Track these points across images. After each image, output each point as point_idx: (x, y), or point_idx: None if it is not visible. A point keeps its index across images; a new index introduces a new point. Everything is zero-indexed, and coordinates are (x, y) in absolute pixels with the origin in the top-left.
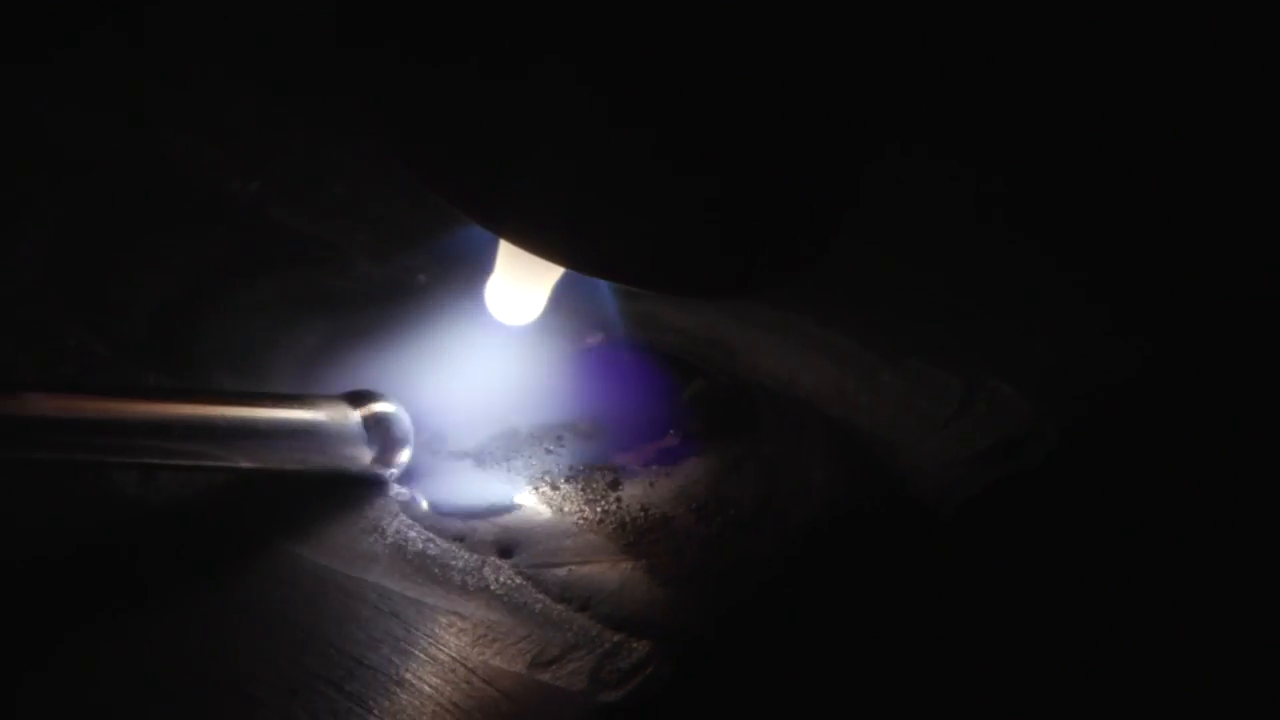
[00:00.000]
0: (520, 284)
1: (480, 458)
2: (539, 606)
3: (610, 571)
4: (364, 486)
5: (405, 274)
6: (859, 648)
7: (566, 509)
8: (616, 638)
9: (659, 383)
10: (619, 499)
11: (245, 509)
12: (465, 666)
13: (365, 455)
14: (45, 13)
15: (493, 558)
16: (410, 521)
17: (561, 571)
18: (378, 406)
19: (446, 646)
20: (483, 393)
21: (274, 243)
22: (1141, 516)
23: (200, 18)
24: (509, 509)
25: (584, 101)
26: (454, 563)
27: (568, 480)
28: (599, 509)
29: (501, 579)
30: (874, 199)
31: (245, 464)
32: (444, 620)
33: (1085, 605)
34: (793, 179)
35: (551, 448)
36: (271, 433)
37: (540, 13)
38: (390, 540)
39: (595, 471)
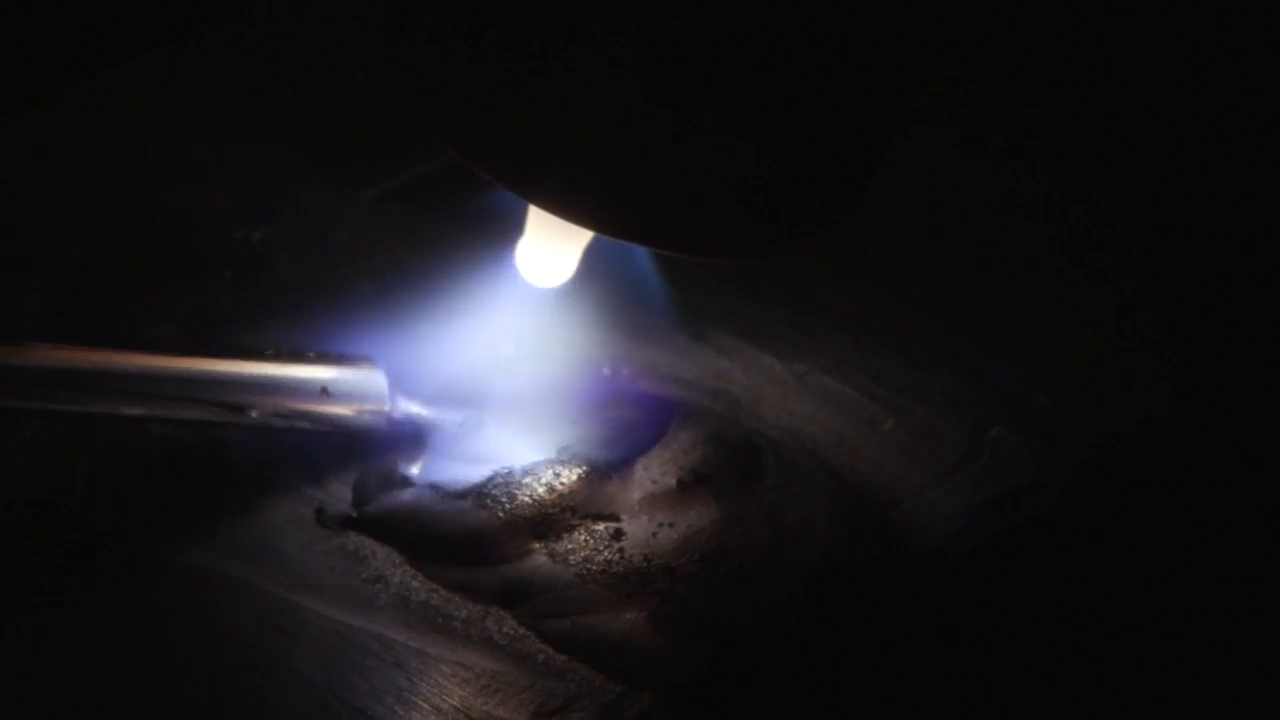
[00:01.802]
0: (551, 247)
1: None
2: (542, 657)
3: (613, 622)
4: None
5: None
6: (862, 697)
7: (570, 559)
8: (619, 688)
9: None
10: (621, 549)
11: (250, 560)
12: (469, 717)
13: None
14: (49, 61)
15: (496, 608)
16: (413, 571)
17: (564, 622)
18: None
19: (450, 697)
20: (482, 435)
21: (277, 291)
22: (1144, 567)
23: (203, 68)
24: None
25: (612, 67)
26: (457, 613)
27: (570, 530)
28: (601, 559)
29: (505, 629)
30: (875, 248)
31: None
32: (447, 670)
33: (1087, 656)
34: (821, 139)
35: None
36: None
37: None
38: (394, 590)
39: (598, 521)
